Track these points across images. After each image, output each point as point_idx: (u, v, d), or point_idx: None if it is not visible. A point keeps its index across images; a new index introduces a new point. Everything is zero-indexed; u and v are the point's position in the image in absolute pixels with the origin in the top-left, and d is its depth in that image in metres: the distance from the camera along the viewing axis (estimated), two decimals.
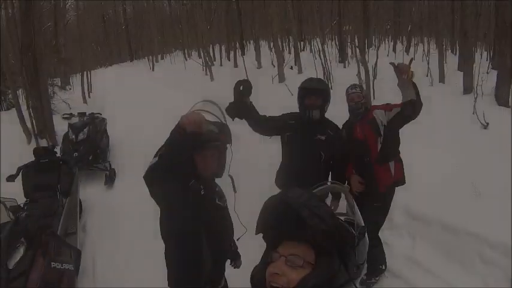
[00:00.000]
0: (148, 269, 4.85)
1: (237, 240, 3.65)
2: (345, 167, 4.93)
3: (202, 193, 3.04)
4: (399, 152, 4.90)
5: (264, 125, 4.70)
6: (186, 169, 2.90)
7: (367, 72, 11.35)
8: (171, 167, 2.66)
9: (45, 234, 4.90)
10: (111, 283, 5.52)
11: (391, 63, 4.41)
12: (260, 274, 1.64)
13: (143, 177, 2.74)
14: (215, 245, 3.15)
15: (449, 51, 20.24)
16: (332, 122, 4.82)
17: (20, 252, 4.52)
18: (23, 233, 4.62)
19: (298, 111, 4.73)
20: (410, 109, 4.38)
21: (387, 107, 4.69)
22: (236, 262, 3.77)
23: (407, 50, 22.70)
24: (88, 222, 7.28)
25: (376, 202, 4.85)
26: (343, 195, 4.42)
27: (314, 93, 4.57)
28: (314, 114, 4.55)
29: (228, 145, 3.15)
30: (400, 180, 4.93)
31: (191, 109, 3.12)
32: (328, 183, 3.96)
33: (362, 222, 2.81)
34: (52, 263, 4.74)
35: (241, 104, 4.38)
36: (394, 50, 23.51)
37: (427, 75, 13.77)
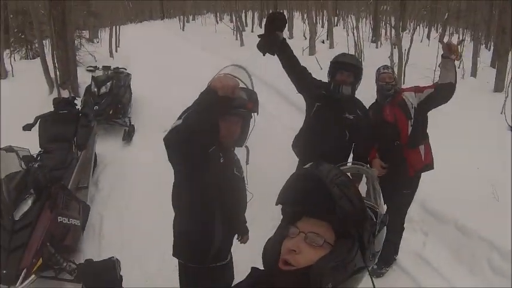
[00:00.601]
0: (155, 234, 4.76)
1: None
2: (368, 149, 4.72)
3: (221, 161, 2.91)
4: (428, 135, 4.74)
5: (298, 72, 4.49)
6: (209, 134, 2.72)
7: (400, 55, 10.98)
8: (194, 130, 2.46)
9: (55, 187, 4.82)
10: (116, 244, 5.43)
11: (440, 41, 4.19)
12: (274, 248, 1.53)
13: (163, 138, 2.56)
14: (228, 217, 3.03)
15: (483, 46, 19.66)
16: (361, 102, 4.60)
17: (28, 203, 4.45)
18: (33, 184, 4.52)
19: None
20: (447, 91, 4.27)
21: (417, 89, 4.56)
22: (243, 237, 3.64)
23: (441, 38, 22.15)
24: (101, 177, 7.17)
25: (405, 188, 4.74)
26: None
27: (347, 68, 4.33)
28: (344, 90, 4.33)
29: (253, 114, 2.98)
30: (429, 165, 4.78)
31: (219, 72, 2.96)
32: (353, 164, 3.78)
33: (384, 210, 2.66)
34: (59, 217, 4.67)
35: (273, 39, 4.15)
36: (428, 36, 22.91)
37: (458, 67, 13.42)
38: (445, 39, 4.76)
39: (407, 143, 4.58)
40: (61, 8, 11.35)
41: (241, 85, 2.88)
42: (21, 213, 4.36)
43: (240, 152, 3.20)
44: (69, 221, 4.82)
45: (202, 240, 2.94)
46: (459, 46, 4.21)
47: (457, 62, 12.80)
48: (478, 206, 5.59)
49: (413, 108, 4.50)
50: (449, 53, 4.13)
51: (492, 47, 17.37)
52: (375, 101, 4.86)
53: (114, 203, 6.37)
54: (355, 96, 4.53)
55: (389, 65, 6.35)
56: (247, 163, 3.21)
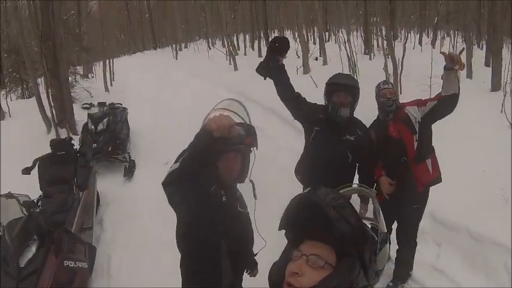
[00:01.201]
0: (164, 270, 4.65)
1: (255, 255, 3.42)
2: (372, 168, 4.67)
3: (223, 199, 2.83)
4: (434, 148, 4.67)
5: (294, 101, 4.38)
6: (208, 174, 2.67)
7: (395, 66, 10.91)
8: (192, 172, 2.40)
9: (59, 231, 4.75)
10: (124, 282, 5.35)
11: (441, 52, 4.14)
12: (279, 271, 1.62)
13: (162, 183, 2.50)
14: (235, 254, 2.94)
15: (475, 45, 19.70)
16: (361, 121, 4.53)
17: (32, 250, 4.37)
18: (36, 230, 4.46)
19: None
20: (451, 103, 4.21)
21: (420, 103, 4.49)
22: (253, 271, 3.54)
23: (433, 43, 22.14)
24: (105, 216, 7.11)
25: (415, 204, 4.67)
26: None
27: (343, 89, 4.22)
28: (343, 112, 4.22)
29: (252, 148, 2.90)
30: (437, 178, 4.71)
31: (216, 107, 2.91)
32: (354, 186, 3.72)
33: (385, 228, 2.66)
34: (65, 261, 4.59)
35: (274, 63, 4.13)
36: (420, 42, 22.94)
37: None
38: (445, 50, 4.69)
39: (413, 158, 4.51)
40: (52, 45, 11.42)
41: (238, 120, 2.82)
42: (26, 260, 4.27)
43: (243, 186, 3.12)
44: (75, 264, 4.73)
45: (211, 280, 2.87)
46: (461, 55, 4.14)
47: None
48: (489, 211, 5.49)
49: (417, 122, 4.43)
50: (453, 64, 4.03)
51: (484, 46, 17.41)
52: (376, 118, 4.78)
53: (120, 241, 6.29)
54: (354, 115, 4.45)
55: (385, 77, 6.33)
56: (255, 198, 3.10)
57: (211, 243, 2.79)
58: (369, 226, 2.08)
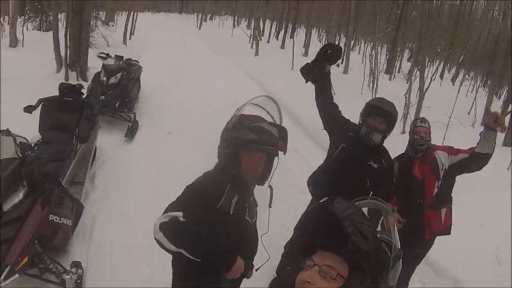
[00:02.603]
0: (147, 247, 4.45)
1: (256, 270, 3.20)
2: (386, 200, 4.50)
3: (233, 205, 2.66)
4: (452, 199, 4.57)
5: (330, 111, 4.33)
6: (229, 167, 2.64)
7: (421, 97, 10.55)
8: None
9: (51, 182, 4.56)
10: (105, 250, 5.13)
11: (487, 110, 4.02)
12: (289, 280, 1.64)
13: (159, 226, 2.54)
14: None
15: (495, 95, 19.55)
16: (388, 152, 4.39)
17: (19, 195, 4.16)
18: (27, 176, 4.24)
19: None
20: (483, 162, 4.16)
21: (451, 151, 4.42)
22: (247, 274, 3.34)
23: (453, 80, 21.96)
24: (98, 173, 6.86)
25: (419, 248, 4.58)
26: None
27: (382, 115, 4.09)
28: (375, 137, 4.10)
29: (280, 152, 2.77)
30: (447, 230, 4.63)
31: (251, 101, 2.76)
32: (369, 199, 3.62)
33: (399, 245, 2.59)
34: (51, 215, 4.40)
35: (320, 69, 4.06)
36: (442, 76, 22.70)
37: (468, 113, 13.26)
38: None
39: (430, 203, 4.42)
40: None
41: (269, 119, 2.67)
42: (10, 205, 4.06)
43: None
44: (60, 220, 4.52)
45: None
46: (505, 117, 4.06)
47: (467, 108, 12.57)
48: (480, 267, 5.47)
49: (443, 169, 4.35)
50: (495, 125, 3.91)
51: (503, 96, 17.24)
52: (404, 151, 4.68)
53: (108, 204, 6.02)
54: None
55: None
56: (270, 206, 2.98)
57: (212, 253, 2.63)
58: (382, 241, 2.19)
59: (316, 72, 4.10)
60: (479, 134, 4.10)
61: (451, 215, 4.59)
